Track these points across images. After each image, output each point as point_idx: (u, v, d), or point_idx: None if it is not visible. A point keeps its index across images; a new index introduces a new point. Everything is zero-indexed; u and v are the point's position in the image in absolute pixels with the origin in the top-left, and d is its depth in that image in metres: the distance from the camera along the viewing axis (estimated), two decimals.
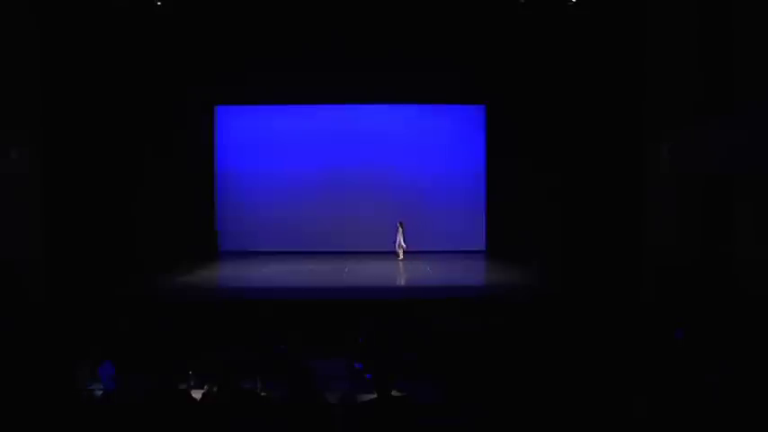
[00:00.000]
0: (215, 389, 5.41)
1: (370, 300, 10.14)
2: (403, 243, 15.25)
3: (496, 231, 16.08)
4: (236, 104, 16.51)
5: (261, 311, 9.26)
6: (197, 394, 5.34)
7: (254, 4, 13.40)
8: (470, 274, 13.86)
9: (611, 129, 13.25)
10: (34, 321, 8.42)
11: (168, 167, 14.89)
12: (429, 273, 13.38)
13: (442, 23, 13.95)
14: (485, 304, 9.69)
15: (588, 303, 9.37)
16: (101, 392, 5.49)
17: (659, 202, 11.88)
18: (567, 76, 14.11)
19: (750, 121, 9.20)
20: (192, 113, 15.63)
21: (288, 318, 9.02)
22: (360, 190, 16.32)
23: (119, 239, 13.30)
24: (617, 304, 9.25)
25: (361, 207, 16.08)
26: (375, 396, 4.94)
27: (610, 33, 12.86)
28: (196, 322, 8.57)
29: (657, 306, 9.53)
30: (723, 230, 10.03)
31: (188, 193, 15.46)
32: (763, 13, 8.90)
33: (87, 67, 12.54)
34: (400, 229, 15.27)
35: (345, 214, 15.65)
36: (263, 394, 5.48)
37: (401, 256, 15.20)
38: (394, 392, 4.96)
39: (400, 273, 13.61)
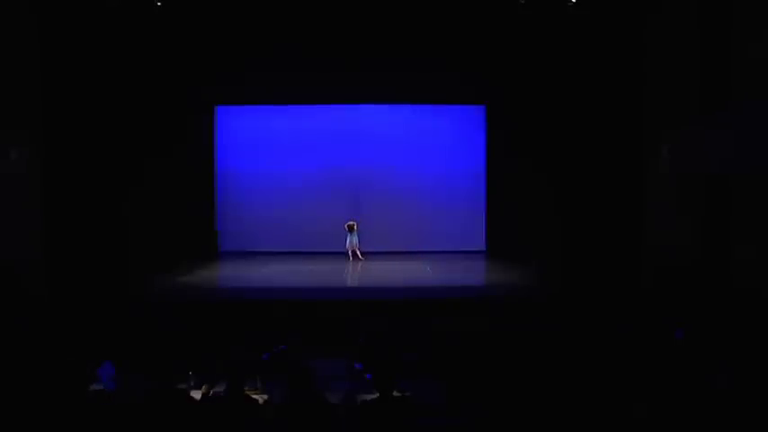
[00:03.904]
0: (216, 390, 5.42)
1: (371, 300, 10.14)
2: (356, 244, 14.98)
3: (496, 231, 16.06)
4: (236, 104, 16.48)
5: (261, 311, 9.27)
6: (197, 394, 5.35)
7: (255, 4, 13.41)
8: (470, 274, 13.84)
9: (611, 129, 13.26)
10: (34, 321, 8.42)
11: (168, 167, 14.88)
12: (429, 273, 13.37)
13: (442, 24, 13.95)
14: (485, 304, 9.69)
15: (588, 303, 9.37)
16: (101, 392, 5.48)
17: (659, 202, 11.89)
18: (567, 77, 14.12)
19: (750, 121, 9.20)
20: (192, 113, 15.63)
21: (288, 318, 9.02)
22: (360, 190, 16.31)
23: (119, 239, 13.31)
24: (617, 304, 9.25)
25: (362, 207, 16.06)
26: (375, 396, 4.94)
27: (610, 33, 12.88)
28: (196, 322, 8.58)
29: (657, 306, 9.53)
30: (723, 230, 10.04)
31: (188, 193, 15.45)
32: (761, 13, 8.91)
33: (87, 67, 12.55)
34: (353, 231, 15.03)
35: (345, 214, 15.62)
36: (263, 394, 5.49)
37: (351, 258, 14.90)
38: (394, 392, 4.96)
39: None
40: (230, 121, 16.61)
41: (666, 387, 5.19)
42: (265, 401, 5.30)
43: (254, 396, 5.27)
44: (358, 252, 15.05)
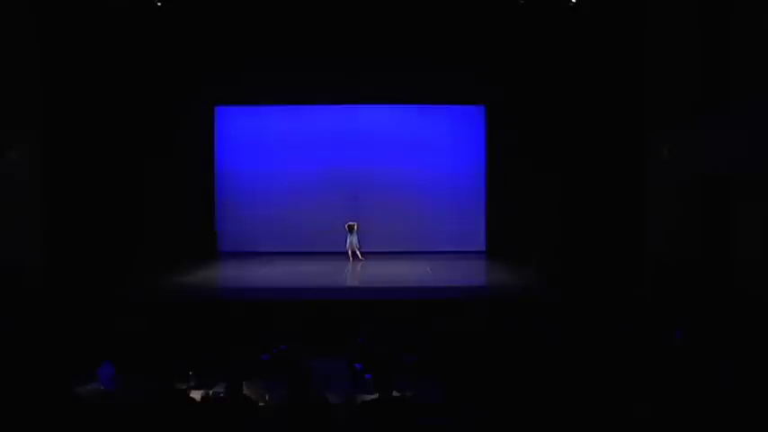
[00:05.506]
0: (215, 390, 5.41)
1: (371, 300, 10.13)
2: (356, 244, 15.00)
3: (496, 231, 16.06)
4: (236, 105, 16.49)
5: (261, 311, 9.26)
6: (197, 395, 5.34)
7: (255, 4, 13.41)
8: (470, 274, 13.84)
9: (610, 129, 13.26)
10: (34, 321, 8.41)
11: (168, 168, 14.89)
12: (429, 273, 13.36)
13: (442, 24, 13.95)
14: (485, 304, 9.68)
15: (588, 303, 9.37)
16: (101, 393, 5.48)
17: (659, 202, 11.88)
18: (566, 77, 14.13)
19: (749, 121, 9.20)
20: (192, 113, 15.63)
21: (288, 318, 9.02)
22: (360, 190, 16.31)
23: (118, 240, 13.30)
24: (617, 304, 9.25)
25: (362, 207, 16.06)
26: (375, 396, 4.94)
27: (610, 34, 12.88)
28: (196, 322, 8.58)
29: (657, 306, 9.52)
30: (723, 231, 10.03)
31: (188, 194, 15.46)
32: (762, 12, 8.91)
33: (88, 67, 12.55)
34: (352, 231, 15.02)
35: (345, 215, 15.62)
36: (263, 394, 5.48)
37: (351, 258, 14.87)
38: (394, 392, 4.96)
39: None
40: (230, 121, 16.62)
41: (667, 387, 5.19)
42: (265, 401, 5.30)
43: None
44: (358, 252, 15.04)
